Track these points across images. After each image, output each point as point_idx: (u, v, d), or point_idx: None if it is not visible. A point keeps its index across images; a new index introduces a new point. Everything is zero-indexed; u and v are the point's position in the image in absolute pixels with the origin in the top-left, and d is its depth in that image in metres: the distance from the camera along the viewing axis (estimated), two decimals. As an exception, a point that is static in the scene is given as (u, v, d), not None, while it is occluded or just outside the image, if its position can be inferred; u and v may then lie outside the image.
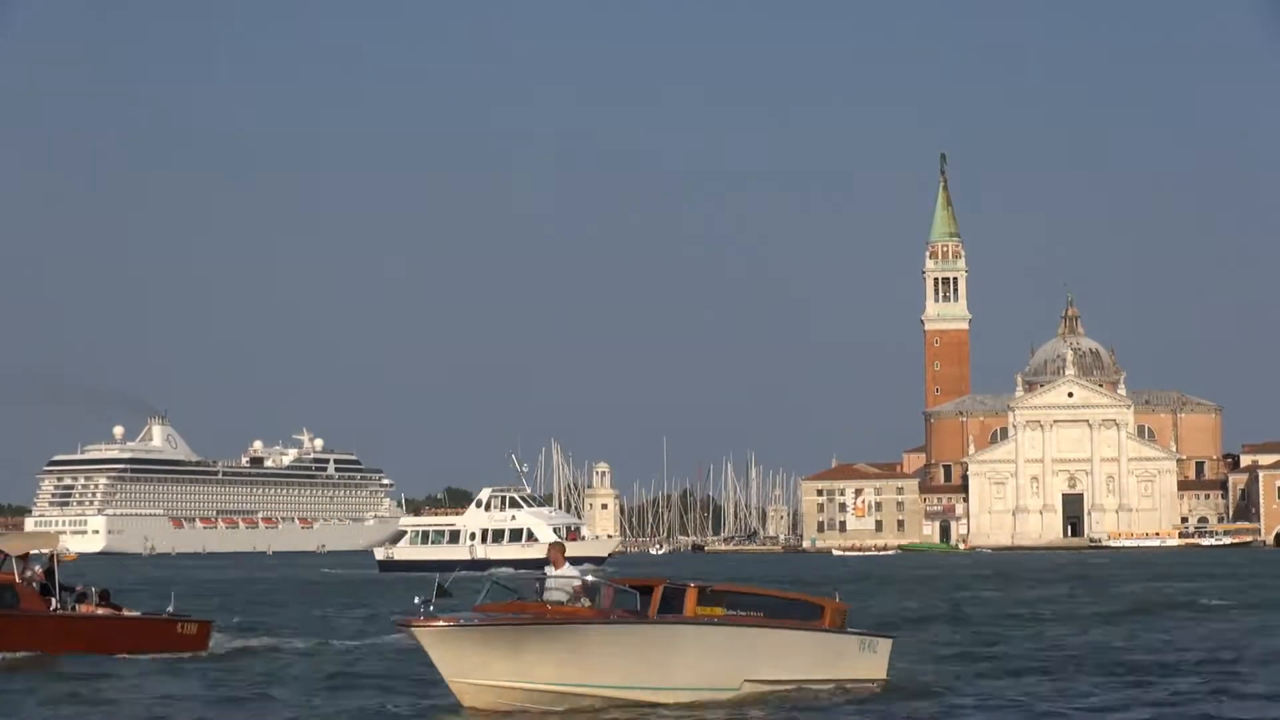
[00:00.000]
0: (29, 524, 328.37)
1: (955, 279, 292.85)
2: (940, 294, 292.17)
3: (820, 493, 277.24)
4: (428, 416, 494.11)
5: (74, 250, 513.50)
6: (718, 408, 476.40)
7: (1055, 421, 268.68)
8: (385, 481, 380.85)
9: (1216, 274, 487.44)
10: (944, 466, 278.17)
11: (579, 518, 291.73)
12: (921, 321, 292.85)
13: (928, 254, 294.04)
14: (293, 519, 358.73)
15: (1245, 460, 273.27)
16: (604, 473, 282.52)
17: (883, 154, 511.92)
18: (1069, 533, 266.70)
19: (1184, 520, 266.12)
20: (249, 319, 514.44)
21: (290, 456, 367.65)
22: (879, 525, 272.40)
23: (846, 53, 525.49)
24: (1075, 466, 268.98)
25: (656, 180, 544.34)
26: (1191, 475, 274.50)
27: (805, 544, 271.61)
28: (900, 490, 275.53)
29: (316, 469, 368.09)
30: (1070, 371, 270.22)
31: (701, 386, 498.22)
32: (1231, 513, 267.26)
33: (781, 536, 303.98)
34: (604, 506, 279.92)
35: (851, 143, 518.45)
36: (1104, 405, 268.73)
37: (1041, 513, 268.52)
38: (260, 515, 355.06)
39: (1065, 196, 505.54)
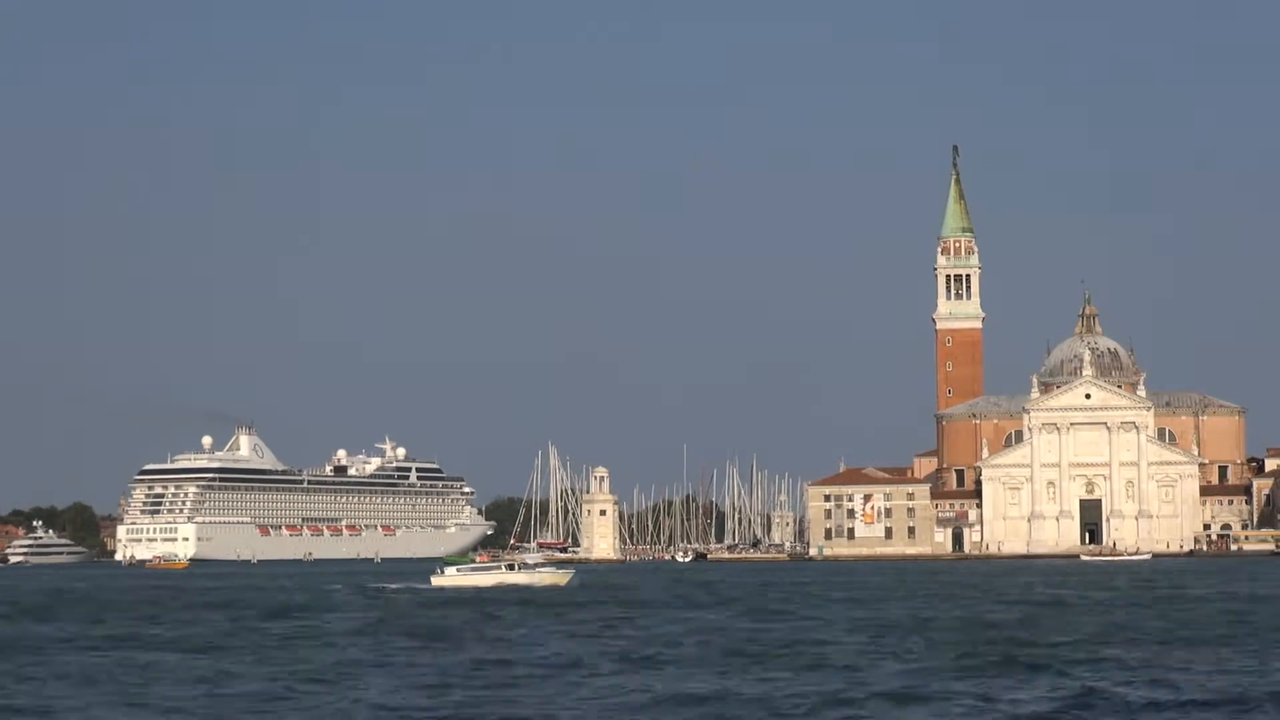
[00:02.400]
0: (120, 531, 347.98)
1: (968, 276, 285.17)
2: (953, 291, 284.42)
3: (827, 498, 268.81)
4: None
5: (159, 265, 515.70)
6: (721, 410, 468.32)
7: (1072, 424, 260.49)
8: (466, 490, 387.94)
9: (1239, 272, 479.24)
10: (956, 471, 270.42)
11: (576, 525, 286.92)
12: (933, 320, 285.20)
13: (939, 250, 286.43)
14: (375, 526, 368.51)
15: (1270, 464, 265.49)
16: (602, 477, 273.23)
17: (892, 146, 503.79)
18: (1087, 540, 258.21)
19: (1206, 527, 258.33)
20: (331, 329, 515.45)
21: (373, 465, 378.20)
22: (889, 532, 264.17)
23: (855, 45, 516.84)
24: (1093, 471, 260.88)
25: (659, 177, 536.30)
26: (1214, 480, 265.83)
27: (812, 551, 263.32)
28: (911, 496, 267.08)
29: (399, 477, 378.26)
30: (1088, 372, 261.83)
31: (704, 388, 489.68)
32: (1256, 519, 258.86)
33: (787, 544, 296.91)
34: (602, 513, 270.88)
35: (860, 136, 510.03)
36: (1123, 407, 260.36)
37: (1058, 519, 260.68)
38: (344, 523, 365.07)
39: (1082, 191, 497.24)
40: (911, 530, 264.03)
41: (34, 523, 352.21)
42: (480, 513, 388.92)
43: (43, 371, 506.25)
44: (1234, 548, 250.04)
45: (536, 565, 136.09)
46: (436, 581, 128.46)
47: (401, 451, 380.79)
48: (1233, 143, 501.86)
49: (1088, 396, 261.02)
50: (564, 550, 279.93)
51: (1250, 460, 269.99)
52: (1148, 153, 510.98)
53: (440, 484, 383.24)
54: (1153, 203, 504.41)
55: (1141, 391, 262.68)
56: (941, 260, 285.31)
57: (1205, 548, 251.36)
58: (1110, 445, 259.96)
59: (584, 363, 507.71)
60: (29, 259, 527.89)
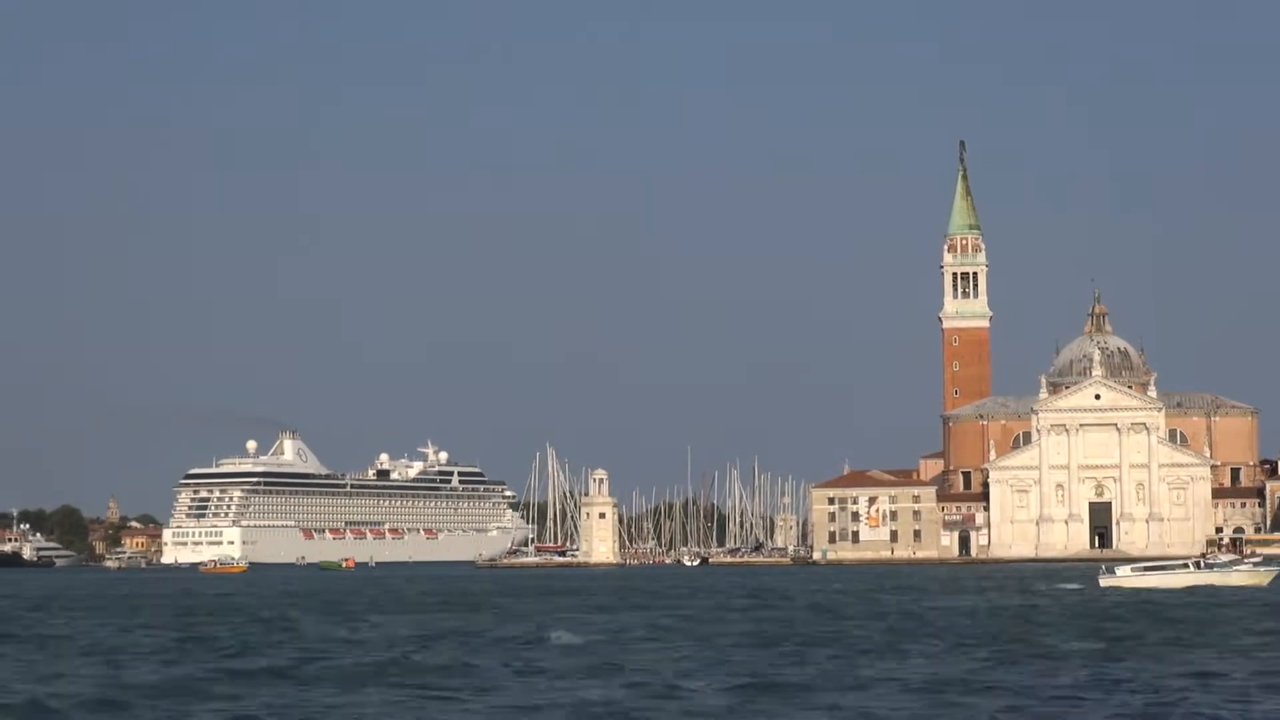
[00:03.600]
0: (167, 535, 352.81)
1: (975, 274, 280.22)
2: (959, 290, 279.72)
3: (831, 501, 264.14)
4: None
5: (159, 265, 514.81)
6: (722, 411, 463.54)
7: (1081, 425, 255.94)
8: (508, 493, 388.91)
9: (1251, 270, 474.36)
10: (963, 473, 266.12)
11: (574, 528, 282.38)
12: (939, 319, 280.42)
13: (946, 248, 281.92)
14: (418, 530, 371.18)
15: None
16: (601, 480, 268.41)
17: (894, 146, 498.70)
18: (1096, 544, 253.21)
19: (1218, 530, 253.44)
20: (374, 333, 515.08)
21: (416, 469, 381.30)
22: (894, 535, 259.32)
23: (855, 44, 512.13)
24: (1103, 473, 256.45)
25: (659, 177, 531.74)
26: (1226, 482, 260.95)
27: (815, 555, 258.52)
28: (917, 499, 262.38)
29: (441, 481, 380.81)
30: (1097, 372, 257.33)
31: (705, 388, 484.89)
32: (1269, 522, 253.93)
33: (790, 547, 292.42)
34: (601, 516, 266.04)
35: (860, 136, 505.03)
36: (1133, 408, 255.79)
37: (1067, 522, 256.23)
38: (387, 526, 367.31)
39: (1092, 187, 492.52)
40: (917, 533, 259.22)
41: (21, 526, 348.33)
42: (524, 516, 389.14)
43: (40, 372, 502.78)
44: (1246, 551, 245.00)
45: (1230, 564, 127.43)
46: (1106, 582, 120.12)
47: (444, 455, 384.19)
48: (1249, 139, 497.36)
49: (1097, 397, 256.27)
50: (562, 554, 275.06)
51: (1263, 462, 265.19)
52: (1148, 153, 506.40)
53: (482, 488, 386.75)
54: (1158, 202, 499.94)
55: (1152, 392, 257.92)
56: (948, 258, 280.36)
57: (1216, 551, 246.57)
58: (1120, 447, 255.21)
59: (584, 363, 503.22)
60: (29, 259, 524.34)
